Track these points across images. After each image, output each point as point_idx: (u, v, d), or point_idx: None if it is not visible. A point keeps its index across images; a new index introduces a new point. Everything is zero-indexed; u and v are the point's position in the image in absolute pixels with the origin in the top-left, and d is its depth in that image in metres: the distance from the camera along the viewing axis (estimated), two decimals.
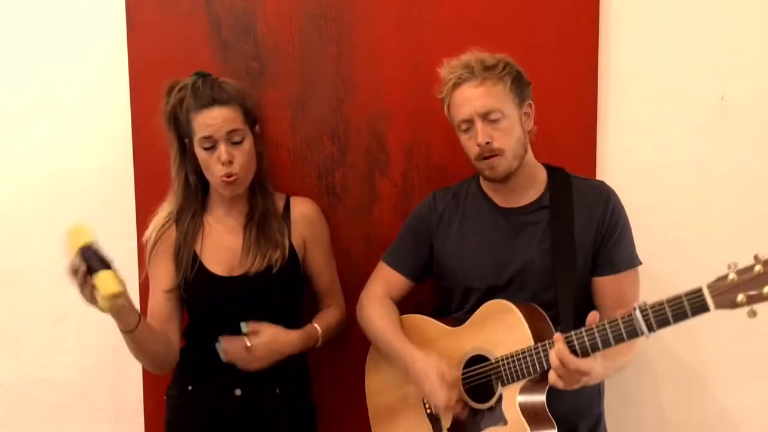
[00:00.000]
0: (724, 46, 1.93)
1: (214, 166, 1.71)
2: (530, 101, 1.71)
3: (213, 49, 1.98)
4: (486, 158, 1.65)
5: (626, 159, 1.98)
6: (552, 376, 1.49)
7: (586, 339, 1.48)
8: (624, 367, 1.66)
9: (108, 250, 2.06)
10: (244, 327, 1.69)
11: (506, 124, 1.64)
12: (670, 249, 1.95)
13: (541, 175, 1.76)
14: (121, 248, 2.05)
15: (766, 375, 2.00)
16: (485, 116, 1.63)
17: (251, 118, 1.78)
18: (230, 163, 1.70)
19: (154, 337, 1.71)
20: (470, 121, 1.64)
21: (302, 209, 1.88)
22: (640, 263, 1.72)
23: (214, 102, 1.71)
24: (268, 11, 1.98)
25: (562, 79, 1.92)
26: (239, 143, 1.72)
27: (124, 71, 2.01)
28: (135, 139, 2.02)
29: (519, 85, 1.67)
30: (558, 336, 1.49)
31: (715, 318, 1.93)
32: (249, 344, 1.68)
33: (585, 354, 1.48)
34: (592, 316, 1.48)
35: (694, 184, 1.97)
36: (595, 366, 1.48)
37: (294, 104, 2.00)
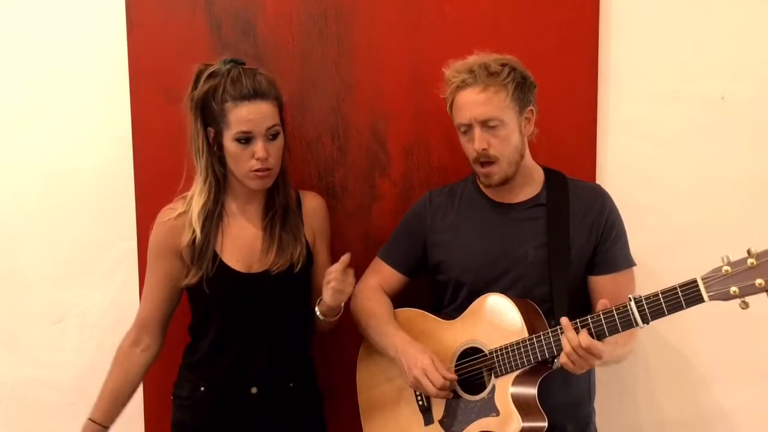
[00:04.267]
0: (724, 46, 1.93)
1: (248, 161, 1.68)
2: (532, 106, 1.72)
3: (213, 49, 1.97)
4: (482, 164, 1.68)
5: (626, 159, 1.98)
6: (563, 358, 1.52)
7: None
8: (624, 357, 1.69)
9: (108, 251, 2.09)
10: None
11: (504, 132, 1.66)
12: (670, 249, 1.95)
13: (539, 175, 1.79)
14: (120, 248, 2.06)
15: (761, 374, 2.01)
16: (484, 123, 1.65)
17: (283, 112, 1.76)
18: (266, 159, 1.68)
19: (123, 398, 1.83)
20: (469, 126, 1.67)
21: (313, 203, 1.87)
22: (635, 264, 1.75)
23: (255, 95, 1.65)
24: (268, 11, 1.99)
25: (562, 79, 1.92)
26: (274, 138, 1.70)
27: (124, 71, 2.01)
28: (135, 139, 2.02)
29: (522, 91, 1.68)
30: (567, 323, 1.51)
31: (709, 317, 1.94)
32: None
33: None
34: (602, 304, 1.52)
35: (694, 184, 1.98)
36: (606, 350, 1.51)
37: (294, 104, 2.00)
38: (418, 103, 1.99)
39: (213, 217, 1.75)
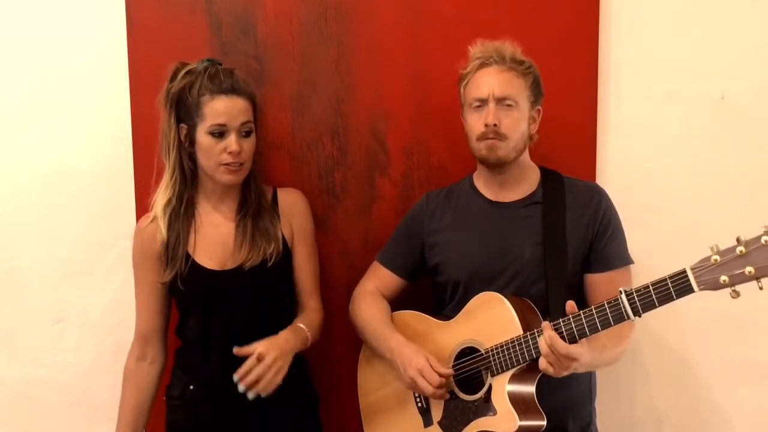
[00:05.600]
0: (724, 46, 1.93)
1: (220, 154, 1.70)
2: (540, 107, 1.75)
3: (213, 49, 1.97)
4: (487, 139, 1.68)
5: (626, 159, 1.98)
6: (542, 362, 1.51)
7: (573, 326, 1.51)
8: (615, 359, 1.68)
9: (108, 251, 2.09)
10: (236, 377, 1.63)
11: (517, 115, 1.68)
12: (669, 248, 1.95)
13: (535, 173, 1.80)
14: (120, 248, 2.06)
15: (760, 374, 2.01)
16: (501, 100, 1.67)
17: (257, 113, 1.78)
18: (239, 153, 1.70)
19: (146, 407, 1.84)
20: (485, 101, 1.68)
21: (290, 199, 1.87)
22: (632, 262, 1.75)
23: (233, 90, 1.70)
24: (268, 11, 1.99)
25: (562, 79, 1.92)
26: (248, 136, 1.73)
27: (124, 71, 2.01)
28: (135, 139, 2.02)
29: (536, 88, 1.73)
30: (546, 324, 1.52)
31: (707, 316, 1.95)
32: (256, 353, 1.62)
33: (573, 340, 1.51)
34: (571, 306, 1.51)
35: (694, 184, 1.98)
36: (583, 352, 1.50)
37: (294, 104, 2.00)
38: (418, 103, 1.99)
39: (180, 215, 1.77)
